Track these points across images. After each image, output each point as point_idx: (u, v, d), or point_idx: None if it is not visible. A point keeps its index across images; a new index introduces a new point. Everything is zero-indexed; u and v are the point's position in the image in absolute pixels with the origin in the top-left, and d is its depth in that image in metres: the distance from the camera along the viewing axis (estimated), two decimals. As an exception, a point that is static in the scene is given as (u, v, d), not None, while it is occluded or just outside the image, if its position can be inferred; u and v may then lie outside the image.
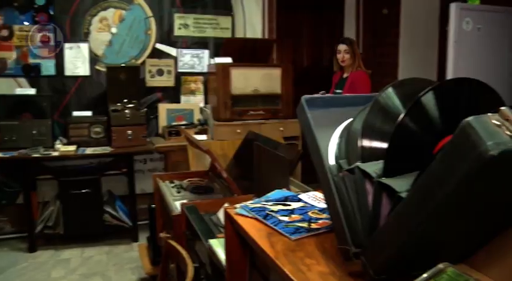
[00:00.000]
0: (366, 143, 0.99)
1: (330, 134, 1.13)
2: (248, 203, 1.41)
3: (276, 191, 1.57)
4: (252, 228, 1.28)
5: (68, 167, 4.44)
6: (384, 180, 0.90)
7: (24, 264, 4.11)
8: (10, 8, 4.44)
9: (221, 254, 1.71)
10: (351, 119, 1.11)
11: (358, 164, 0.97)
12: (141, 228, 4.45)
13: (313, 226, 1.25)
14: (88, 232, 4.43)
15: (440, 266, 0.81)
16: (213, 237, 1.93)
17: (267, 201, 1.44)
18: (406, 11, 4.70)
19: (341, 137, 1.11)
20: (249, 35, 5.06)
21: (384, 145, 0.94)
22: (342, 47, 4.24)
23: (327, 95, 1.27)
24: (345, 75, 4.32)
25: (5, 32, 4.45)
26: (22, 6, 4.47)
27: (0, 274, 3.93)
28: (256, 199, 1.49)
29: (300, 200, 1.45)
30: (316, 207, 1.39)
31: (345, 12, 5.63)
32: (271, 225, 1.26)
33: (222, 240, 1.75)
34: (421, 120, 0.89)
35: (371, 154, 0.98)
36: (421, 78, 1.04)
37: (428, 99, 0.88)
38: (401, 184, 0.87)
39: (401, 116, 0.89)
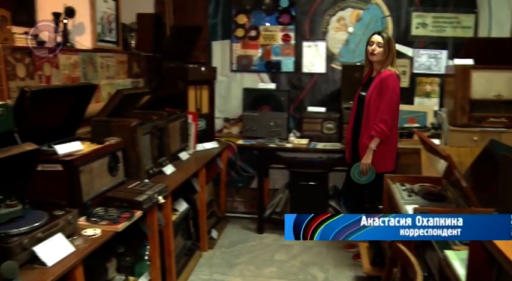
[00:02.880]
0: None
1: None
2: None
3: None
4: (505, 244, 1.19)
5: (298, 159, 4.70)
6: None
7: (253, 243, 4.51)
8: (258, 11, 4.95)
9: (458, 268, 1.63)
10: None
11: None
12: (362, 227, 4.47)
13: None
14: (311, 222, 4.63)
15: None
16: (450, 248, 1.84)
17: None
18: None
19: None
20: (494, 34, 4.64)
21: None
22: (376, 38, 3.57)
23: None
24: (373, 74, 3.69)
25: (253, 33, 4.98)
26: (268, 9, 4.94)
27: (232, 247, 4.41)
28: (508, 215, 1.38)
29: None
30: None
31: None
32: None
33: (460, 253, 1.67)
34: None
35: None
36: None
37: None
38: None
39: None
